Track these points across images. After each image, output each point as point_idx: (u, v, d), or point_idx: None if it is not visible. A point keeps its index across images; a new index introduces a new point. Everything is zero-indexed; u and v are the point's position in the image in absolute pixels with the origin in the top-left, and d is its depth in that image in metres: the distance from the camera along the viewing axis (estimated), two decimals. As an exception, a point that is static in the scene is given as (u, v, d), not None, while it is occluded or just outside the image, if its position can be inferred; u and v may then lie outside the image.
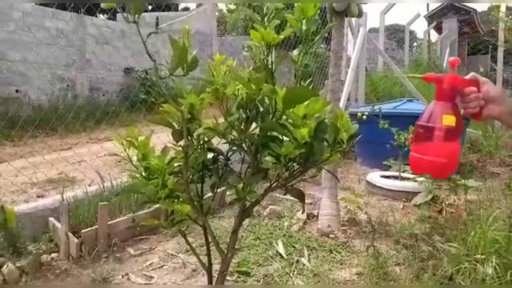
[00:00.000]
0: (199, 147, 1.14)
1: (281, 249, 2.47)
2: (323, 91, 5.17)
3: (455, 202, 3.37)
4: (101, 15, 10.09)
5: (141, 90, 7.87)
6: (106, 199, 2.65)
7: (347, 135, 1.03)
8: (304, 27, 1.02)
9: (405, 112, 4.41)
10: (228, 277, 2.15)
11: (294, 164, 1.12)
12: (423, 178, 3.57)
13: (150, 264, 2.32)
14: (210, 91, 0.98)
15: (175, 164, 1.22)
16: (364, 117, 4.15)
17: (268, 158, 1.07)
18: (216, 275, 1.25)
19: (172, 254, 2.44)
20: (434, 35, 13.76)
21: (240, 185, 1.03)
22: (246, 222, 2.84)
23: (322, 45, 9.47)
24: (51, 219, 2.48)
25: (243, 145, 1.07)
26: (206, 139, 1.17)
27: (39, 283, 2.13)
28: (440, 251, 2.45)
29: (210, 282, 1.20)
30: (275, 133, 1.09)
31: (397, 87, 6.75)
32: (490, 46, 11.27)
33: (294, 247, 2.51)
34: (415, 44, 15.99)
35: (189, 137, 1.11)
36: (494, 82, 7.70)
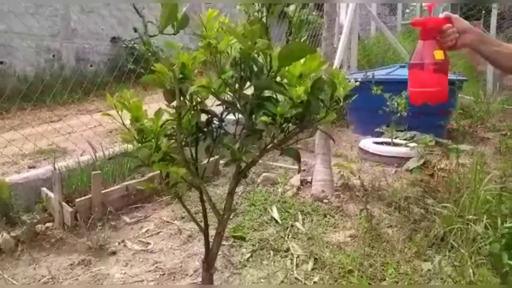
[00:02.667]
0: (193, 108, 1.11)
1: (275, 214, 2.50)
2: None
3: (447, 166, 3.41)
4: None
5: (129, 60, 7.69)
6: (98, 169, 2.62)
7: (344, 92, 1.01)
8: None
9: (398, 78, 4.38)
10: (224, 242, 2.18)
11: (290, 124, 1.10)
12: (414, 144, 3.59)
13: (146, 231, 2.34)
14: (202, 46, 0.94)
15: (169, 127, 1.20)
16: (357, 83, 4.11)
17: (263, 118, 1.05)
18: (212, 238, 1.25)
19: (167, 221, 2.45)
20: (427, 0, 13.49)
21: (236, 146, 1.01)
22: (240, 189, 2.85)
23: (314, 12, 9.28)
24: (44, 189, 2.46)
25: (237, 105, 1.04)
26: (199, 100, 1.14)
27: (35, 252, 2.13)
28: (432, 213, 2.49)
29: (207, 243, 1.20)
30: (269, 93, 1.07)
31: (390, 53, 6.69)
32: (484, 11, 11.14)
33: (288, 212, 2.53)
34: (407, 10, 15.74)
35: (182, 98, 1.08)
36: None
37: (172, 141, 1.18)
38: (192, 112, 1.11)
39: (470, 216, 2.15)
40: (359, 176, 2.92)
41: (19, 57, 7.09)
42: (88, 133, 3.94)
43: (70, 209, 2.28)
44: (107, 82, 6.97)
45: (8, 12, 6.79)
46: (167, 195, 2.70)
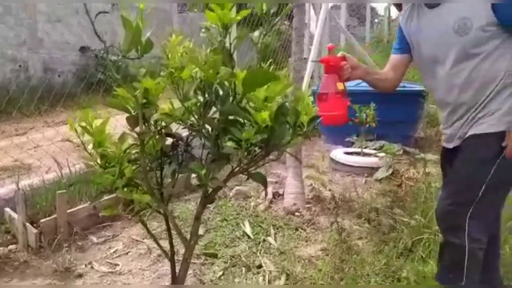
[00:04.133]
0: (157, 133, 1.10)
1: (247, 229, 2.49)
2: (286, 69, 5.15)
3: (414, 175, 3.50)
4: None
5: (99, 70, 7.56)
6: (64, 187, 2.54)
7: (307, 118, 1.02)
8: (265, 7, 0.99)
9: (366, 89, 4.45)
10: (195, 260, 2.15)
11: (256, 148, 1.10)
12: (383, 154, 3.67)
13: (114, 251, 2.28)
14: (165, 75, 0.93)
15: (133, 151, 1.17)
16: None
17: (229, 143, 1.05)
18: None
19: (137, 240, 2.40)
20: (394, 12, 13.98)
21: (203, 172, 1.00)
22: (212, 204, 2.83)
23: (285, 22, 9.39)
24: (7, 209, 2.36)
25: (203, 130, 1.03)
26: (163, 124, 1.13)
27: (-4, 277, 2.04)
28: (400, 223, 2.55)
29: (173, 270, 1.18)
30: (235, 117, 1.07)
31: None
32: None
33: (260, 226, 2.53)
34: (376, 20, 16.15)
35: (145, 123, 1.06)
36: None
37: (136, 166, 1.16)
38: (157, 137, 1.10)
39: (437, 227, 2.21)
40: (329, 189, 2.95)
41: (-18, 68, 6.84)
42: (54, 148, 3.82)
43: (35, 231, 2.20)
44: (76, 92, 6.82)
45: (-31, 22, 6.55)
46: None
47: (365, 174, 3.54)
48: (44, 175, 2.68)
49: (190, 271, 2.00)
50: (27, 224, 2.22)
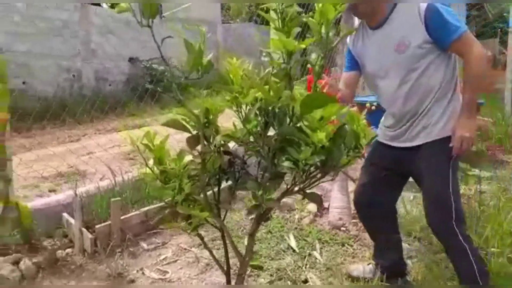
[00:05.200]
0: (216, 151, 1.14)
1: (292, 242, 2.49)
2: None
3: (466, 192, 3.35)
4: (104, 5, 10.01)
5: (147, 79, 7.87)
6: (118, 194, 2.66)
7: (366, 141, 1.02)
8: (323, 30, 1.01)
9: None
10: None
11: (311, 168, 1.11)
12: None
13: (164, 259, 2.35)
14: (230, 100, 0.97)
15: (191, 167, 1.22)
16: (373, 107, 4.11)
17: (286, 163, 1.07)
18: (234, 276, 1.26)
19: (185, 249, 2.46)
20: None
21: (259, 192, 1.02)
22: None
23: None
24: (65, 214, 2.50)
25: (260, 150, 1.06)
26: (222, 143, 1.16)
27: (55, 278, 2.16)
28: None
29: (228, 284, 1.21)
30: (292, 137, 1.09)
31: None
32: (499, 30, 11.06)
33: (305, 240, 2.52)
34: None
35: (205, 143, 1.11)
36: (505, 65, 7.66)
37: (194, 182, 1.20)
38: (216, 155, 1.13)
39: (493, 249, 2.11)
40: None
41: (40, 78, 7.29)
42: (106, 155, 4.01)
43: (90, 236, 2.31)
44: (125, 101, 7.13)
45: (30, 34, 7.01)
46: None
47: (413, 190, 3.43)
48: (99, 182, 2.81)
49: (236, 283, 2.04)
50: (83, 229, 2.34)
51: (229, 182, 1.21)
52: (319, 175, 1.11)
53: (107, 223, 2.41)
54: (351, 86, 1.93)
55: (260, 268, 2.22)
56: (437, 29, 1.59)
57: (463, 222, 1.72)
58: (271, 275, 2.18)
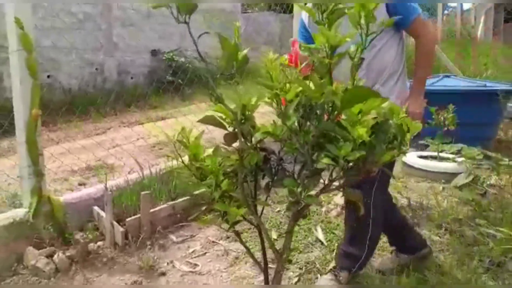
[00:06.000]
0: (253, 147, 1.12)
1: (320, 235, 2.47)
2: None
3: (497, 183, 3.27)
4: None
5: (168, 72, 7.90)
6: (146, 187, 2.69)
7: (411, 135, 0.99)
8: (363, 21, 0.97)
9: (442, 89, 4.25)
10: (271, 265, 2.17)
11: (351, 164, 1.08)
12: (462, 158, 3.46)
13: (193, 252, 2.37)
14: (271, 96, 0.95)
15: (227, 164, 1.21)
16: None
17: (325, 159, 1.04)
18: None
19: (213, 241, 2.47)
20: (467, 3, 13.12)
21: (298, 189, 1.01)
22: (283, 207, 2.84)
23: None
24: (96, 208, 2.55)
25: (299, 147, 1.04)
26: (259, 139, 1.15)
27: (88, 271, 2.20)
28: (485, 236, 2.39)
29: (266, 281, 1.20)
30: (331, 133, 1.06)
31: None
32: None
33: (333, 233, 2.50)
34: (445, 12, 15.19)
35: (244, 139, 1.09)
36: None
37: (229, 178, 1.19)
38: (252, 151, 1.12)
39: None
40: (405, 196, 2.84)
41: (64, 71, 7.41)
42: (132, 147, 4.06)
43: (121, 229, 2.35)
44: (147, 93, 7.19)
45: (54, 28, 7.12)
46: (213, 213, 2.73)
47: (443, 180, 3.36)
48: (127, 175, 2.84)
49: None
50: (114, 222, 2.38)
51: (265, 179, 1.20)
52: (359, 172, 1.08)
53: (137, 216, 2.44)
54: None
55: (289, 261, 2.24)
56: (398, 8, 1.68)
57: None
58: (300, 268, 2.17)
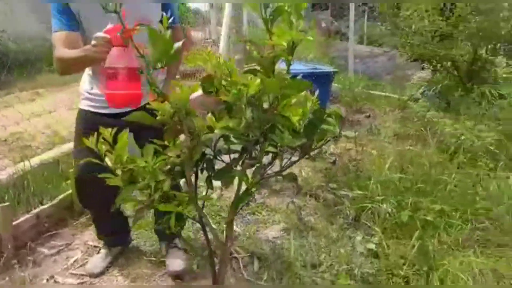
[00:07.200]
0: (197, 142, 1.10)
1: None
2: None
3: (335, 151, 3.87)
4: None
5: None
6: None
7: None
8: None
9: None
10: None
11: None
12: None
13: (74, 261, 2.13)
14: (236, 93, 0.95)
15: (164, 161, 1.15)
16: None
17: (269, 148, 1.11)
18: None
19: (94, 246, 2.26)
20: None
21: (250, 179, 1.05)
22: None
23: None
24: None
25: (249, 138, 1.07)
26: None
27: None
28: (340, 197, 2.85)
29: (213, 273, 1.21)
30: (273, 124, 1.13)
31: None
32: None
33: (219, 215, 2.59)
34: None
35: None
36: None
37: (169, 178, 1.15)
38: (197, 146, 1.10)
39: (378, 197, 2.54)
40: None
41: None
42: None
43: (-23, 252, 1.94)
44: None
45: None
46: (85, 215, 2.48)
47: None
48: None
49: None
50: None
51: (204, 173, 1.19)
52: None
53: (-6, 233, 2.04)
54: (77, 47, 1.63)
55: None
56: (169, 8, 1.74)
57: None
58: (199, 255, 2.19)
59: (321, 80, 4.56)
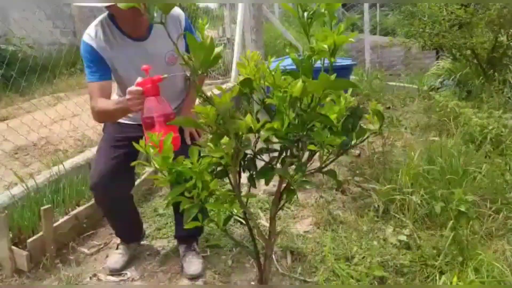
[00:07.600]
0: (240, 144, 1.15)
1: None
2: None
3: (363, 146, 3.87)
4: None
5: (-3, 63, 6.70)
6: (37, 200, 2.36)
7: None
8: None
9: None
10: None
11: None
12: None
13: (114, 260, 2.21)
14: (281, 97, 0.99)
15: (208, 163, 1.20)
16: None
17: (311, 147, 1.15)
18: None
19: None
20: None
21: (296, 177, 1.09)
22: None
23: None
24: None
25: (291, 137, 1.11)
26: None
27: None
28: (367, 190, 2.86)
29: (259, 267, 1.26)
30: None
31: (279, 43, 7.03)
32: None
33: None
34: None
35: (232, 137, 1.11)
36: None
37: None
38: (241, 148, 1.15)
39: (407, 189, 2.55)
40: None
41: None
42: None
43: (24, 252, 2.03)
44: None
45: None
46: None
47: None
48: (10, 190, 2.42)
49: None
50: (13, 247, 2.04)
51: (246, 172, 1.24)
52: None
53: (38, 234, 2.13)
54: (109, 96, 1.82)
55: (218, 246, 2.31)
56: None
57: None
58: (229, 250, 2.25)
59: (340, 74, 4.55)
